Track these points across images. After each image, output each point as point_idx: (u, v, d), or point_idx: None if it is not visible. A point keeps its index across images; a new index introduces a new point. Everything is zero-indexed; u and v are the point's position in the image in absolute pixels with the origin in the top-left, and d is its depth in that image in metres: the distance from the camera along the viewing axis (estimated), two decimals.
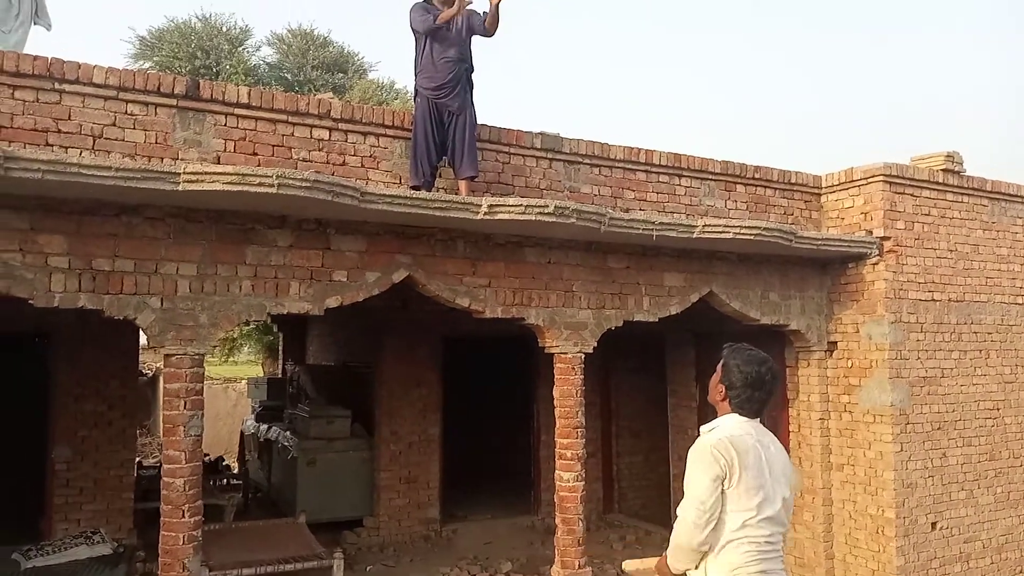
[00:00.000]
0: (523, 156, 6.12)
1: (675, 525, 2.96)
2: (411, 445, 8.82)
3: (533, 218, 5.26)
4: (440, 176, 5.74)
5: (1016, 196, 8.05)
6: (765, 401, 3.03)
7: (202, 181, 4.39)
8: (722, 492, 2.84)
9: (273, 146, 5.29)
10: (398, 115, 5.65)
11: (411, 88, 6.00)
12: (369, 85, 19.48)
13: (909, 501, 7.05)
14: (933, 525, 7.19)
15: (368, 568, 7.87)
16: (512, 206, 5.24)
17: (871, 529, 7.14)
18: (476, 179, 5.63)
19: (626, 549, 8.94)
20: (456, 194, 5.47)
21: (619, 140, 6.68)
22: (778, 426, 8.01)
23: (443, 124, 5.49)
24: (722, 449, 2.86)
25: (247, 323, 5.87)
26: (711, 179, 7.04)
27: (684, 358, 9.30)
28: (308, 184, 4.51)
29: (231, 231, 5.00)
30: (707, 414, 9.04)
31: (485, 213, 5.17)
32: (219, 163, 5.03)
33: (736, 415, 3.01)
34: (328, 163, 5.38)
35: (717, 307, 7.12)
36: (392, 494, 8.73)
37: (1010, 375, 7.82)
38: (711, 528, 2.84)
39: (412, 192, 5.12)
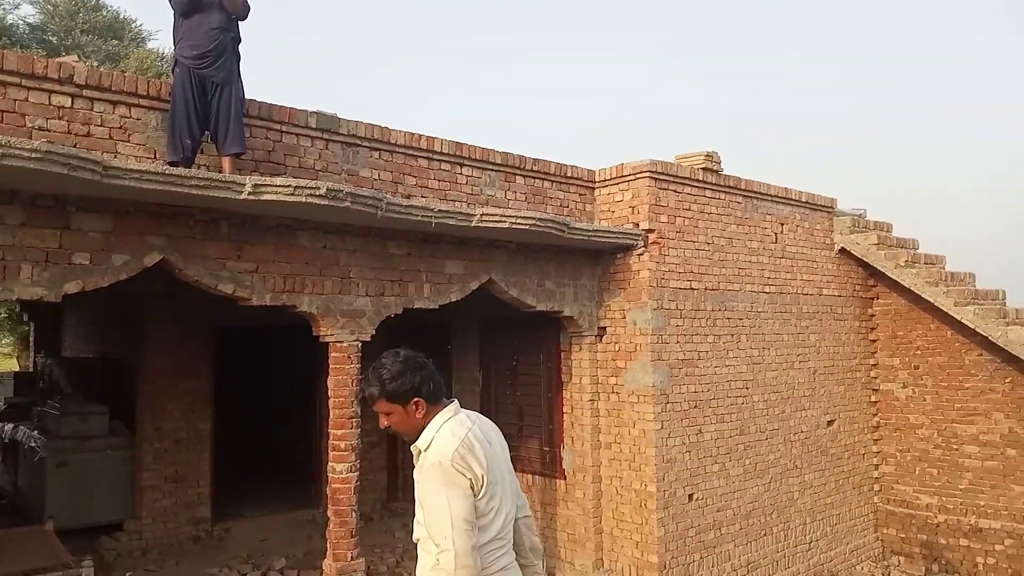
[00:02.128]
0: (296, 135, 5.85)
1: (439, 568, 2.53)
2: (178, 442, 8.25)
3: (303, 200, 5.04)
4: (203, 152, 5.36)
5: (766, 195, 8.86)
6: (438, 379, 2.79)
7: None
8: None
9: (3, 112, 4.66)
10: (153, 84, 5.19)
11: None
12: (147, 55, 18.00)
13: (669, 475, 7.56)
14: (690, 497, 7.77)
15: (127, 574, 7.27)
16: (280, 187, 4.99)
17: (635, 503, 7.59)
18: (242, 156, 5.31)
19: (408, 536, 8.92)
20: (219, 172, 5.12)
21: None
22: (553, 408, 8.33)
23: (205, 95, 5.10)
24: (462, 461, 2.61)
25: None
26: (492, 169, 7.13)
27: (469, 344, 9.42)
28: (39, 155, 4.02)
29: None
30: (490, 400, 9.23)
31: (250, 193, 4.87)
32: None
33: (442, 411, 2.76)
34: (70, 133, 4.83)
35: (497, 294, 7.25)
36: (156, 495, 8.13)
37: (758, 357, 8.61)
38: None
39: (166, 168, 4.71)
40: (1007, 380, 9.09)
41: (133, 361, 8.53)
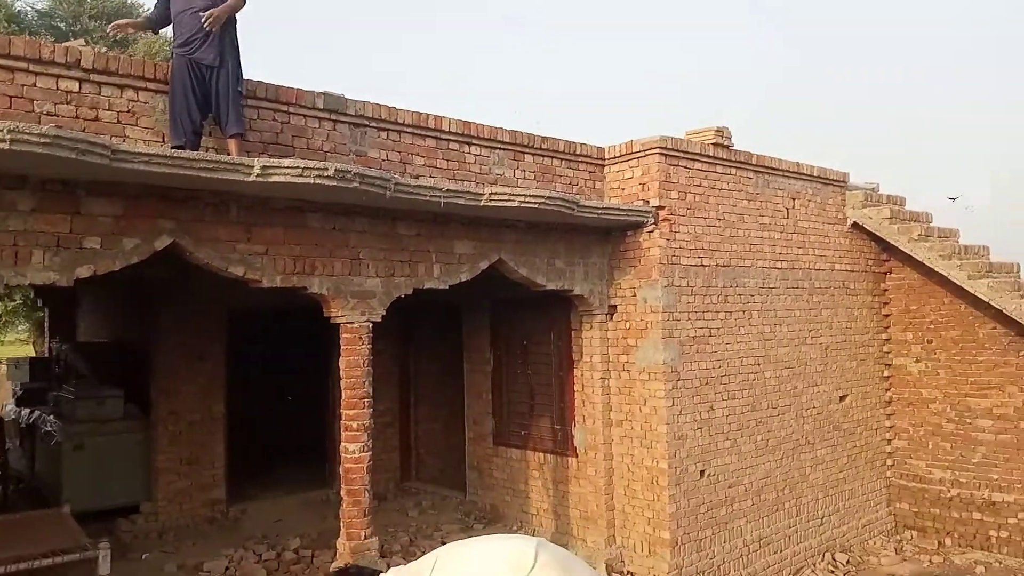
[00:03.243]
0: (304, 117, 5.83)
1: None
2: (192, 424, 8.33)
3: (312, 181, 5.04)
4: (210, 135, 5.36)
5: (777, 170, 8.79)
6: None
7: None
8: None
9: (11, 97, 4.67)
10: (160, 67, 5.18)
11: None
12: (156, 39, 17.99)
13: (680, 452, 7.58)
14: (701, 473, 7.79)
15: (144, 556, 7.38)
16: (288, 168, 4.99)
17: (647, 480, 7.61)
18: (245, 137, 5.30)
19: (421, 515, 9.02)
20: (226, 154, 5.12)
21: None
22: (564, 386, 8.35)
23: (203, 79, 5.10)
24: None
25: None
26: (500, 148, 7.10)
27: (480, 325, 9.43)
28: (47, 140, 4.03)
29: None
30: (501, 379, 9.24)
31: (258, 175, 4.88)
32: None
33: None
34: (78, 118, 4.83)
35: (506, 274, 7.25)
36: (172, 476, 8.23)
37: (769, 333, 8.58)
38: None
39: (173, 151, 4.72)
40: (1021, 353, 9.04)
41: (147, 345, 8.61)
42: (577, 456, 8.23)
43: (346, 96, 5.99)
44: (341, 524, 6.17)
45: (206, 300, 8.26)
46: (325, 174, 5.04)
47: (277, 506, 8.93)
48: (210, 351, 8.53)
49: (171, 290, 8.13)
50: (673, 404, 7.53)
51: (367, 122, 6.16)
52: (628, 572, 7.69)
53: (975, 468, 9.39)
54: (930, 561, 9.18)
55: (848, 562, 9.11)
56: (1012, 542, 9.06)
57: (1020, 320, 8.61)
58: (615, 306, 7.93)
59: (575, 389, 8.23)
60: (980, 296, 8.84)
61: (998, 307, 8.74)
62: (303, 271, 5.75)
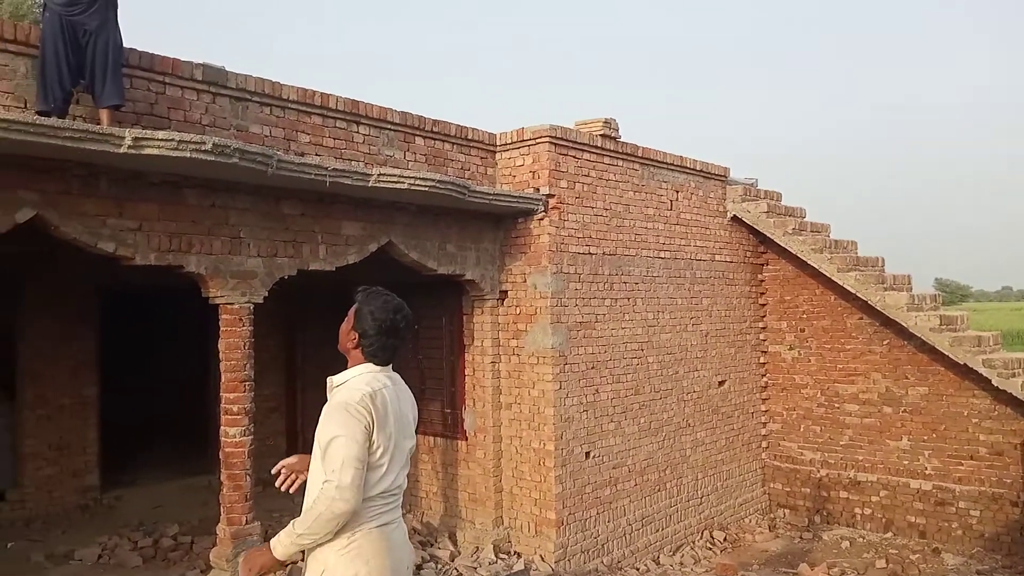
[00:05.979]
0: (181, 88, 5.61)
1: (322, 493, 2.67)
2: (62, 408, 7.94)
3: (188, 155, 4.87)
4: (78, 103, 5.11)
5: (662, 163, 9.06)
6: (398, 348, 2.95)
7: None
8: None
9: None
10: (21, 28, 4.88)
11: None
12: (23, 0, 16.94)
13: (567, 434, 7.75)
14: (587, 454, 7.98)
15: (9, 545, 7.00)
16: (163, 141, 4.80)
17: (534, 461, 7.75)
18: (122, 108, 5.08)
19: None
20: (97, 124, 4.89)
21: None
22: (455, 370, 8.39)
23: (78, 44, 4.84)
24: (364, 408, 2.74)
25: None
26: (390, 129, 7.04)
27: None
28: None
29: None
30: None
31: (130, 147, 4.67)
32: None
33: (369, 364, 2.90)
34: None
35: (396, 257, 7.21)
36: (40, 463, 7.82)
37: (652, 320, 8.86)
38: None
39: (36, 118, 4.47)
40: (884, 342, 9.65)
41: (11, 324, 8.12)
42: (467, 439, 8.29)
43: (227, 68, 5.80)
44: (222, 510, 6.03)
45: (76, 278, 7.86)
46: (203, 148, 4.88)
47: (156, 493, 8.63)
48: (80, 331, 8.13)
49: (37, 267, 7.70)
50: (560, 387, 7.68)
51: (249, 96, 5.99)
52: (515, 552, 7.82)
53: (842, 450, 9.98)
54: (800, 537, 9.71)
55: (725, 539, 9.53)
56: (874, 519, 9.68)
57: (883, 311, 9.19)
58: (506, 291, 8.01)
59: (466, 373, 8.28)
60: (848, 288, 9.38)
61: (864, 298, 9.29)
62: (179, 249, 5.56)
